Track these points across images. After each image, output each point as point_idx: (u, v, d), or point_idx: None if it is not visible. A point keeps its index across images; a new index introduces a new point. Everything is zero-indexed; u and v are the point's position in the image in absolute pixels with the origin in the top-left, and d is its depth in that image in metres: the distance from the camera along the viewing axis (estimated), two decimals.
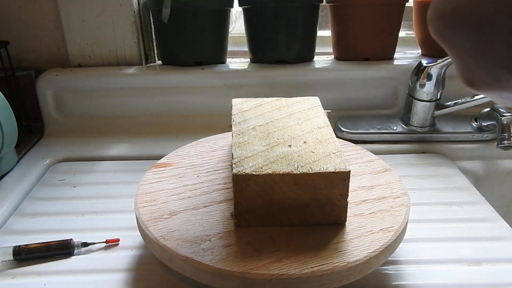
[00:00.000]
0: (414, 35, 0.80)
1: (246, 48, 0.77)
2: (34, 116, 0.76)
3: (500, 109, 0.64)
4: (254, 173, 0.37)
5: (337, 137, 0.48)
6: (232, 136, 0.44)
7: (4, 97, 0.58)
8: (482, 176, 0.69)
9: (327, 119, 0.48)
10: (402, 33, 0.78)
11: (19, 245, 0.45)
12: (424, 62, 0.66)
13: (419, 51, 0.80)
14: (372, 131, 0.69)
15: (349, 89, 0.75)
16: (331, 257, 0.36)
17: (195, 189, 0.45)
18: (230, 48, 0.78)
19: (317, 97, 0.54)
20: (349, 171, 0.37)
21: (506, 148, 0.61)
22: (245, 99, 0.54)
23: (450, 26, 0.19)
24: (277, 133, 0.44)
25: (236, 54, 0.82)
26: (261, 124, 0.46)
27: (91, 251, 0.47)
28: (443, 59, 0.64)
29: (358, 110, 0.76)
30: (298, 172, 0.37)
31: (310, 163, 0.38)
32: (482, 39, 0.18)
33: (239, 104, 0.52)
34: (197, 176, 0.48)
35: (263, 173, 0.37)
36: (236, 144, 0.42)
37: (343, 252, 0.36)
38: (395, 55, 0.77)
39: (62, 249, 0.46)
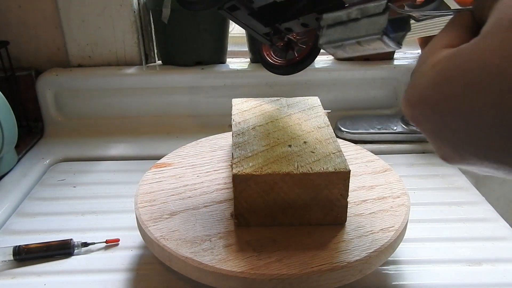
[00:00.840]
0: None
1: (246, 48, 0.77)
2: (34, 116, 0.75)
3: None
4: (254, 173, 0.37)
5: (337, 137, 0.48)
6: (232, 136, 0.44)
7: (4, 97, 0.58)
8: (482, 176, 0.69)
9: (327, 119, 0.48)
10: None
11: (19, 245, 0.45)
12: None
13: (419, 51, 0.80)
14: (372, 131, 0.69)
15: (349, 89, 0.75)
16: (331, 257, 0.36)
17: (195, 189, 0.45)
18: (230, 48, 0.78)
19: (317, 97, 0.54)
20: (349, 171, 0.37)
21: None
22: (245, 99, 0.54)
23: (417, 114, 0.22)
24: (277, 133, 0.44)
25: (236, 54, 0.82)
26: (261, 124, 0.46)
27: (91, 251, 0.47)
28: None
29: (358, 110, 0.76)
30: (298, 172, 0.37)
31: (310, 163, 0.38)
32: (444, 127, 0.21)
33: (239, 104, 0.52)
34: (197, 176, 0.48)
35: (263, 173, 0.37)
36: (236, 144, 0.42)
37: (343, 252, 0.36)
38: (395, 55, 0.77)
39: (62, 249, 0.46)
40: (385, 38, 0.29)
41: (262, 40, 0.43)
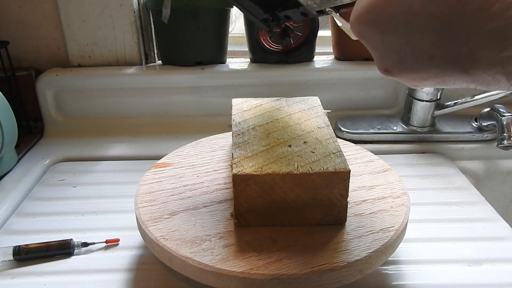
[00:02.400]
0: None
1: (246, 48, 0.77)
2: (34, 116, 0.75)
3: (500, 109, 0.64)
4: (254, 173, 0.37)
5: (337, 137, 0.48)
6: (232, 136, 0.44)
7: (4, 97, 0.58)
8: (482, 176, 0.69)
9: (327, 119, 0.48)
10: None
11: (19, 245, 0.45)
12: None
13: None
14: (372, 131, 0.69)
15: (349, 89, 0.75)
16: (331, 257, 0.36)
17: (195, 189, 0.45)
18: (230, 48, 0.78)
19: (317, 97, 0.54)
20: (349, 171, 0.37)
21: (506, 148, 0.61)
22: (245, 99, 0.54)
23: (364, 28, 0.24)
24: (277, 133, 0.44)
25: (236, 54, 0.82)
26: (261, 124, 0.46)
27: (91, 251, 0.47)
28: None
29: (358, 110, 0.76)
30: (298, 172, 0.37)
31: (310, 163, 0.38)
32: (385, 38, 0.23)
33: (239, 104, 0.52)
34: (197, 176, 0.48)
35: (263, 173, 0.37)
36: (236, 144, 0.42)
37: (343, 252, 0.36)
38: None
39: (62, 249, 0.46)
40: None
41: (260, 25, 0.43)
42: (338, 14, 0.36)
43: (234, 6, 0.73)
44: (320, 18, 0.74)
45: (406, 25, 0.22)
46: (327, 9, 0.36)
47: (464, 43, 0.20)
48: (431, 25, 0.21)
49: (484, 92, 0.65)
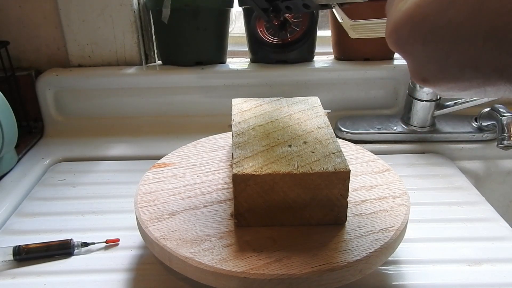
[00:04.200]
0: None
1: (246, 48, 0.77)
2: (34, 116, 0.75)
3: (500, 109, 0.64)
4: (254, 173, 0.37)
5: (337, 137, 0.48)
6: (232, 136, 0.44)
7: (4, 97, 0.58)
8: (482, 176, 0.69)
9: (327, 119, 0.48)
10: None
11: (19, 245, 0.45)
12: None
13: None
14: (372, 131, 0.69)
15: (349, 89, 0.75)
16: (331, 257, 0.36)
17: (195, 189, 0.45)
18: (230, 48, 0.78)
19: (317, 97, 0.54)
20: (349, 171, 0.37)
21: (506, 148, 0.61)
22: (245, 99, 0.54)
23: (405, 36, 0.24)
24: (277, 133, 0.44)
25: (236, 54, 0.82)
26: (261, 124, 0.46)
27: (91, 251, 0.47)
28: None
29: (358, 110, 0.76)
30: (298, 172, 0.37)
31: (310, 163, 0.38)
32: (428, 47, 0.23)
33: (239, 104, 0.52)
34: (197, 176, 0.48)
35: (263, 173, 0.37)
36: (236, 144, 0.42)
37: (343, 252, 0.36)
38: (395, 55, 0.77)
39: (62, 249, 0.46)
40: None
41: (260, 13, 0.43)
42: (341, 9, 0.36)
43: (234, 6, 0.73)
44: (320, 18, 0.74)
45: (451, 36, 0.21)
46: (331, 4, 0.36)
47: (507, 54, 0.20)
48: (477, 36, 0.20)
49: None
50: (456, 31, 0.21)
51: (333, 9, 0.36)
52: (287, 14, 0.56)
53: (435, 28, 0.22)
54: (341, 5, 0.35)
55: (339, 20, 0.37)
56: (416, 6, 0.23)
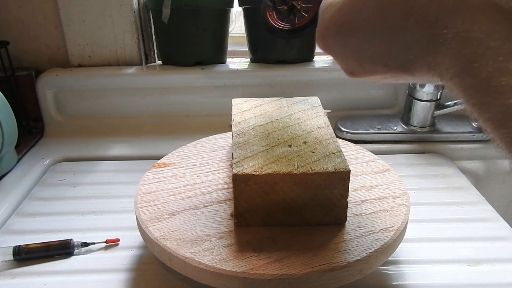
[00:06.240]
0: None
1: (246, 48, 0.77)
2: (34, 116, 0.75)
3: None
4: (254, 173, 0.37)
5: (337, 137, 0.48)
6: (232, 136, 0.44)
7: (4, 97, 0.58)
8: (482, 176, 0.69)
9: (327, 119, 0.48)
10: None
11: (19, 245, 0.45)
12: None
13: None
14: (372, 131, 0.69)
15: (349, 89, 0.75)
16: (331, 257, 0.36)
17: (195, 189, 0.45)
18: (230, 48, 0.78)
19: (317, 97, 0.54)
20: (349, 171, 0.37)
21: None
22: (245, 99, 0.54)
23: (328, 42, 0.29)
24: (277, 133, 0.44)
25: (236, 54, 0.82)
26: (261, 124, 0.46)
27: (91, 251, 0.47)
28: None
29: (358, 110, 0.76)
30: (298, 172, 0.37)
31: (310, 163, 0.38)
32: (348, 46, 0.28)
33: (239, 104, 0.52)
34: (197, 176, 0.48)
35: (263, 173, 0.37)
36: (236, 144, 0.42)
37: (343, 252, 0.36)
38: None
39: (62, 249, 0.46)
40: None
41: (267, 1, 0.43)
42: None
43: (234, 6, 0.73)
44: None
45: (364, 35, 0.26)
46: None
47: (409, 52, 0.24)
48: (383, 35, 0.25)
49: None
50: (368, 30, 0.25)
51: None
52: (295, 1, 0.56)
53: (353, 30, 0.26)
54: None
55: None
56: (338, 11, 0.27)
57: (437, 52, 0.22)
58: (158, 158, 0.52)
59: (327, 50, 0.30)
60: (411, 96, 0.68)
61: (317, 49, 0.77)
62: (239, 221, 0.39)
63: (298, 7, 0.53)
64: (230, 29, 0.76)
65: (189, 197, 0.44)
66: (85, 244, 0.47)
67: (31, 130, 0.75)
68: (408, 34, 0.23)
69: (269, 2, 0.43)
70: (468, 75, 0.21)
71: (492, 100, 0.20)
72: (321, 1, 0.32)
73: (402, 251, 0.46)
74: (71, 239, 0.46)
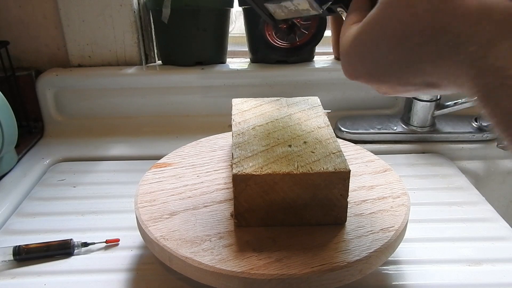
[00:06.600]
0: None
1: (246, 48, 0.77)
2: (34, 116, 0.75)
3: None
4: (254, 173, 0.37)
5: (337, 137, 0.48)
6: (232, 136, 0.44)
7: (4, 97, 0.58)
8: (482, 176, 0.69)
9: (327, 119, 0.48)
10: None
11: (19, 245, 0.45)
12: None
13: None
14: (372, 131, 0.69)
15: (349, 89, 0.75)
16: (331, 257, 0.36)
17: (195, 189, 0.45)
18: (230, 48, 0.78)
19: (317, 97, 0.54)
20: (349, 171, 0.37)
21: (506, 148, 0.61)
22: (245, 99, 0.54)
23: (352, 72, 0.31)
24: (277, 133, 0.44)
25: (236, 54, 0.82)
26: (261, 124, 0.46)
27: (91, 251, 0.47)
28: None
29: (358, 110, 0.76)
30: (298, 172, 0.37)
31: (310, 163, 0.38)
32: (375, 81, 0.30)
33: (239, 104, 0.52)
34: (197, 176, 0.48)
35: (263, 173, 0.37)
36: (236, 144, 0.42)
37: (343, 252, 0.36)
38: None
39: (62, 249, 0.46)
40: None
41: (266, 19, 0.43)
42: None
43: (234, 6, 0.73)
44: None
45: (386, 72, 0.28)
46: (337, 9, 0.37)
47: (432, 76, 0.25)
48: (402, 69, 0.26)
49: None
50: (386, 67, 0.27)
51: (341, 15, 0.37)
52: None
53: (374, 69, 0.28)
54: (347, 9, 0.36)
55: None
56: (352, 47, 0.29)
57: (458, 76, 0.22)
58: (158, 158, 0.52)
59: (355, 79, 0.31)
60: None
61: (317, 49, 0.77)
62: (239, 221, 0.39)
63: (298, 25, 0.52)
64: (230, 29, 0.76)
65: (189, 197, 0.44)
66: (85, 244, 0.47)
67: (31, 130, 0.75)
68: (426, 64, 0.24)
69: (269, 21, 0.43)
70: (488, 105, 0.21)
71: None
72: (320, 19, 0.33)
73: (402, 251, 0.46)
74: (71, 239, 0.46)
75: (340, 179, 0.37)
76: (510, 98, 0.19)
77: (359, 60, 0.29)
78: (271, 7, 0.41)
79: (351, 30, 0.30)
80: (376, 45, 0.27)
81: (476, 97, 0.22)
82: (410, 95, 0.30)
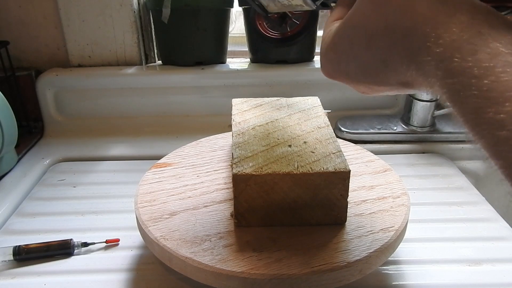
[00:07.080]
0: None
1: (246, 48, 0.77)
2: (34, 116, 0.76)
3: None
4: (254, 173, 0.37)
5: (337, 137, 0.48)
6: (232, 136, 0.44)
7: (4, 97, 0.58)
8: (482, 176, 0.69)
9: (327, 119, 0.48)
10: None
11: (19, 245, 0.45)
12: None
13: None
14: (372, 131, 0.69)
15: (349, 89, 0.74)
16: (331, 257, 0.36)
17: (195, 189, 0.45)
18: (230, 48, 0.78)
19: (317, 97, 0.54)
20: (349, 171, 0.37)
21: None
22: (245, 99, 0.54)
23: (329, 69, 0.32)
24: (277, 133, 0.44)
25: (236, 54, 0.82)
26: (261, 124, 0.46)
27: (91, 251, 0.47)
28: None
29: (358, 110, 0.76)
30: (298, 172, 0.37)
31: (310, 163, 0.38)
32: (350, 80, 0.30)
33: (239, 104, 0.52)
34: (197, 176, 0.48)
35: (263, 173, 0.37)
36: (236, 144, 0.42)
37: (343, 252, 0.36)
38: None
39: (62, 249, 0.46)
40: None
41: (256, 8, 0.43)
42: None
43: (234, 6, 0.73)
44: (320, 18, 0.74)
45: (359, 71, 0.28)
46: (331, 4, 0.37)
47: (405, 76, 0.25)
48: (377, 69, 0.26)
49: None
50: (361, 66, 0.27)
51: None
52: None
53: (348, 69, 0.29)
54: None
55: None
56: (332, 44, 0.30)
57: (428, 76, 0.22)
58: (158, 158, 0.52)
59: (332, 77, 0.32)
60: (411, 96, 0.68)
61: (317, 49, 0.77)
62: (239, 221, 0.39)
63: (290, 15, 0.52)
64: (230, 29, 0.76)
65: (189, 197, 0.44)
66: (85, 244, 0.47)
67: (31, 130, 0.75)
68: (398, 64, 0.24)
69: (260, 11, 0.43)
70: (455, 105, 0.21)
71: (482, 131, 0.20)
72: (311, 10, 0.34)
73: (402, 251, 0.46)
74: (71, 239, 0.46)
75: (340, 179, 0.37)
76: (475, 97, 0.19)
77: (336, 58, 0.29)
78: (264, 0, 0.40)
79: (332, 27, 0.30)
80: (351, 44, 0.27)
81: (444, 97, 0.22)
82: (387, 93, 0.30)
